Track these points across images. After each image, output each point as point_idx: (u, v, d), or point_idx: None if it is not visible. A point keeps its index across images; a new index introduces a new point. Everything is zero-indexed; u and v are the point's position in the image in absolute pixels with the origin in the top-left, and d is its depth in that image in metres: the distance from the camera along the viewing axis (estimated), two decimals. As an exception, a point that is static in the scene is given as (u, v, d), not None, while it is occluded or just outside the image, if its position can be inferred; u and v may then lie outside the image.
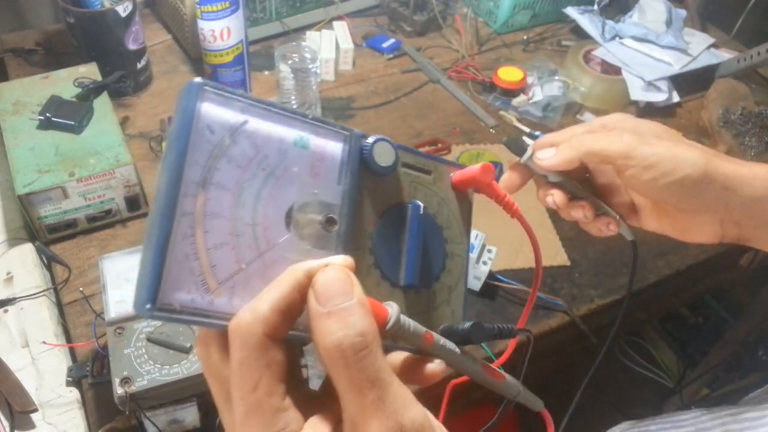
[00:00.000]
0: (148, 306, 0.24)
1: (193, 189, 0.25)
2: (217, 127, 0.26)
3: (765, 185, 0.44)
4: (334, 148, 0.29)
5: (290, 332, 0.27)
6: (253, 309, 0.25)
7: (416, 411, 0.26)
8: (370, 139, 0.30)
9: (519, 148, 0.46)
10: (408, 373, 0.30)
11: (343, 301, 0.25)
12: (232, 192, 0.26)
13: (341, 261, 0.27)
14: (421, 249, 0.31)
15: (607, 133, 0.45)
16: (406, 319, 0.28)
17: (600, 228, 0.48)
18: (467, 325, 0.32)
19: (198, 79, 0.26)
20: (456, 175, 0.35)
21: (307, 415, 0.27)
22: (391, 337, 0.28)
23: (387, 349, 0.27)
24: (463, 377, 0.33)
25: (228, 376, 0.26)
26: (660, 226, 0.50)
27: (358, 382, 0.24)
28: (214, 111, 0.26)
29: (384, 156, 0.30)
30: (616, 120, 0.48)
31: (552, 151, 0.45)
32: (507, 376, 0.34)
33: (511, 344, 0.39)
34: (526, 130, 1.10)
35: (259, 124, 0.27)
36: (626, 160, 0.43)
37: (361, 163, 0.30)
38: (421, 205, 0.32)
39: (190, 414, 0.62)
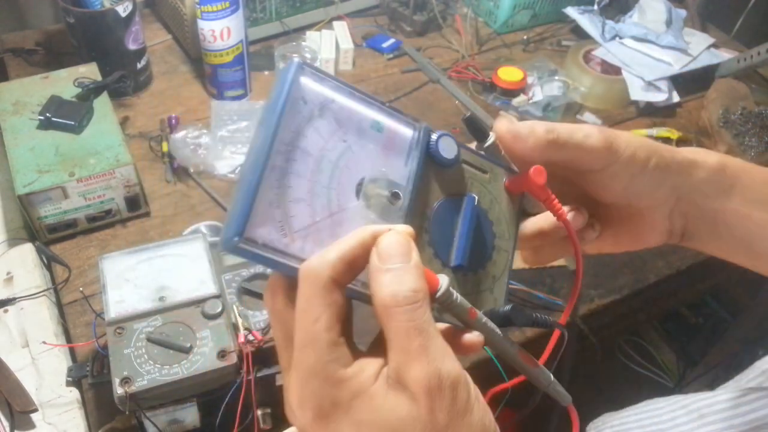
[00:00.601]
0: (236, 238, 0.27)
1: (283, 148, 0.28)
2: (310, 99, 0.30)
3: (709, 169, 0.42)
4: (404, 134, 0.33)
5: (351, 286, 0.30)
6: (323, 255, 0.28)
7: (455, 364, 0.28)
8: (436, 134, 0.33)
9: (479, 132, 0.38)
10: (448, 340, 0.31)
11: (401, 261, 0.28)
12: (314, 158, 0.29)
13: (404, 229, 0.30)
14: (471, 236, 0.34)
15: (575, 126, 0.39)
16: (454, 292, 0.30)
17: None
18: (508, 307, 0.34)
19: (299, 59, 0.30)
20: (510, 177, 0.37)
21: (355, 358, 0.29)
22: (439, 305, 0.30)
23: (434, 320, 0.30)
24: (500, 385, 0.35)
25: (290, 319, 0.29)
26: (604, 242, 0.46)
27: (407, 329, 0.27)
28: (309, 85, 0.30)
29: (448, 149, 0.33)
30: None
31: (524, 128, 0.38)
32: (540, 365, 0.36)
33: (552, 339, 0.38)
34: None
35: (344, 104, 0.31)
36: (609, 154, 0.38)
37: (427, 152, 0.33)
38: (476, 197, 0.35)
39: (190, 414, 0.62)
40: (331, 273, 0.28)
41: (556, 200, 0.37)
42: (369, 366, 0.29)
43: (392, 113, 0.33)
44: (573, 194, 0.42)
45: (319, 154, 0.30)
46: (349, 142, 0.31)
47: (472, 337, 0.33)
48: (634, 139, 0.40)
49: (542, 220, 0.42)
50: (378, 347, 0.30)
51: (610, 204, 0.43)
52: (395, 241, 0.29)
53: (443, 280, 0.30)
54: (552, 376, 0.36)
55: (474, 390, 0.30)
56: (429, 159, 0.33)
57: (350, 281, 0.29)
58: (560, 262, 0.89)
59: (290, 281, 0.30)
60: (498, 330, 0.33)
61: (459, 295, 0.31)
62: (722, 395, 0.54)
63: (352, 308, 0.31)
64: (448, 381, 0.28)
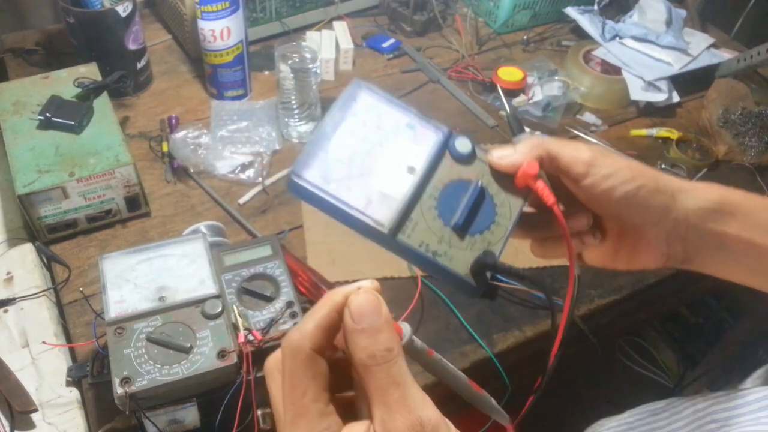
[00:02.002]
0: (293, 176, 0.40)
1: (332, 126, 0.42)
2: (361, 100, 0.44)
3: (708, 196, 0.46)
4: (431, 134, 0.44)
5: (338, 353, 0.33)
6: (301, 328, 0.31)
7: (434, 410, 0.30)
8: (456, 135, 0.44)
9: (517, 127, 0.51)
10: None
11: (374, 320, 0.31)
12: (356, 137, 0.42)
13: (370, 285, 0.33)
14: (472, 209, 0.43)
15: (570, 142, 0.46)
16: (415, 338, 0.35)
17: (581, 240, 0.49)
18: (482, 252, 0.42)
19: (357, 80, 0.44)
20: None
21: (345, 419, 0.32)
22: (403, 349, 0.33)
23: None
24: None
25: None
26: (603, 255, 0.51)
27: (386, 384, 0.30)
28: (364, 95, 0.44)
29: (462, 146, 0.44)
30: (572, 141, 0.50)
31: (510, 149, 0.45)
32: (484, 391, 0.40)
33: (560, 329, 0.48)
34: (527, 130, 1.10)
35: (385, 109, 0.44)
36: (588, 168, 0.44)
37: (445, 146, 0.44)
38: (480, 182, 0.44)
39: (190, 414, 0.62)
40: (310, 344, 0.31)
41: (548, 191, 0.44)
42: (357, 428, 0.31)
43: (425, 119, 0.44)
44: (578, 205, 0.47)
45: (359, 135, 0.42)
46: (386, 132, 0.43)
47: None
48: (624, 161, 0.45)
49: (549, 215, 0.46)
50: (359, 408, 0.33)
51: (605, 217, 0.48)
52: (365, 300, 0.31)
53: (405, 329, 0.34)
54: (493, 401, 0.41)
55: (453, 428, 0.31)
56: (449, 153, 0.44)
57: (330, 345, 0.32)
58: (563, 261, 0.89)
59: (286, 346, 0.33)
60: (451, 366, 0.38)
61: (419, 341, 0.35)
62: (721, 395, 0.54)
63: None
64: (429, 426, 0.29)
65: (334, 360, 0.33)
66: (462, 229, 0.42)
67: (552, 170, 0.46)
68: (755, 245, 0.46)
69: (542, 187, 0.44)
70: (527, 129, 0.41)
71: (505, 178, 0.45)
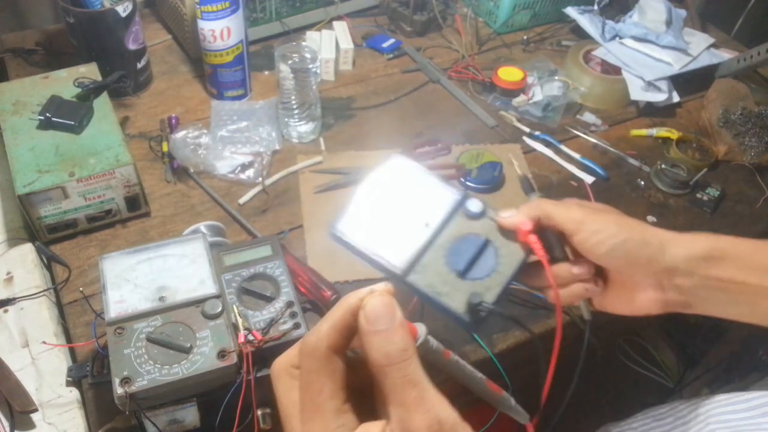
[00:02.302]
0: (332, 228, 0.50)
1: (365, 189, 0.53)
2: (391, 169, 0.54)
3: (696, 245, 0.50)
4: (449, 195, 0.52)
5: (348, 352, 0.34)
6: (317, 330, 0.33)
7: (450, 411, 0.31)
8: (470, 196, 0.53)
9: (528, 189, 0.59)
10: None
11: (388, 322, 0.32)
12: (384, 197, 0.52)
13: (383, 287, 0.34)
14: (474, 257, 0.50)
15: (563, 203, 0.53)
16: (431, 338, 0.36)
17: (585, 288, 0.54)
18: (471, 294, 0.48)
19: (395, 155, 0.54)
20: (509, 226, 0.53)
21: (362, 419, 0.32)
22: (419, 350, 0.34)
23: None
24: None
25: (295, 397, 0.33)
26: (606, 301, 0.56)
27: (402, 384, 0.30)
28: (394, 163, 0.54)
29: (474, 207, 0.52)
30: (569, 200, 0.56)
31: (514, 211, 0.51)
32: (503, 391, 0.42)
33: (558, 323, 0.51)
34: (526, 130, 1.10)
35: (411, 175, 0.53)
36: (579, 225, 0.51)
37: (460, 205, 0.52)
38: (486, 237, 0.51)
39: (190, 414, 0.62)
40: (327, 343, 0.32)
41: (539, 245, 0.50)
42: (373, 428, 0.31)
43: (445, 183, 0.53)
44: (583, 257, 0.53)
45: (388, 196, 0.52)
46: (409, 194, 0.52)
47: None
48: (613, 217, 0.52)
49: (560, 269, 0.53)
50: (376, 409, 0.33)
51: (602, 267, 0.54)
52: (380, 303, 0.32)
53: (421, 329, 0.35)
54: (513, 400, 0.42)
55: (469, 429, 0.32)
56: (461, 211, 0.52)
57: (347, 346, 0.33)
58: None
59: (289, 362, 0.35)
60: (469, 366, 0.39)
61: (435, 341, 0.37)
62: (722, 399, 0.54)
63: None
64: (447, 425, 0.30)
65: (353, 362, 0.34)
66: (463, 275, 0.49)
67: (550, 228, 0.52)
68: (750, 286, 0.48)
69: (534, 242, 0.50)
70: (536, 191, 0.53)
71: (511, 235, 0.52)
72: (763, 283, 0.48)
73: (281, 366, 0.35)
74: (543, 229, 0.52)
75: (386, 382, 0.31)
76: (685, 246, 0.50)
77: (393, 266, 0.49)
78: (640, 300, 0.53)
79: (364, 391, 0.34)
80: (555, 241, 0.54)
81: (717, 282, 0.49)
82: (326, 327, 0.32)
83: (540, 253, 0.50)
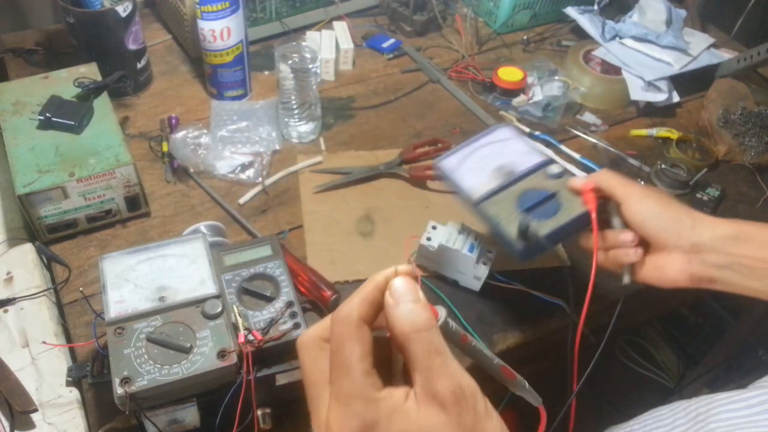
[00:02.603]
0: (436, 162, 0.73)
1: (469, 142, 0.72)
2: (497, 133, 0.74)
3: (726, 226, 0.58)
4: (537, 158, 0.69)
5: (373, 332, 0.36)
6: (348, 302, 0.36)
7: (471, 380, 0.34)
8: (554, 162, 0.68)
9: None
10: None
11: (412, 298, 0.35)
12: (484, 150, 0.70)
13: (406, 268, 0.37)
14: (539, 201, 0.65)
15: (624, 178, 0.64)
16: (450, 321, 0.38)
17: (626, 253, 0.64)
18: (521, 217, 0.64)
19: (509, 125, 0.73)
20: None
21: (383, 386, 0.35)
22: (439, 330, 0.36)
23: None
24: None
25: (323, 364, 0.36)
26: (643, 270, 0.65)
27: (428, 351, 0.33)
28: (501, 130, 0.73)
29: (554, 169, 0.67)
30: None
31: (584, 176, 0.65)
32: (517, 375, 0.43)
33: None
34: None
35: (511, 139, 0.71)
36: (629, 196, 0.62)
37: (541, 166, 0.69)
38: (555, 192, 0.66)
39: (190, 414, 0.62)
40: (357, 313, 0.35)
41: (593, 201, 0.63)
42: (397, 391, 0.34)
43: (538, 151, 0.71)
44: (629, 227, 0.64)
45: (487, 150, 0.70)
46: (504, 151, 0.70)
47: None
48: (656, 194, 0.63)
49: (609, 234, 0.64)
50: (393, 385, 0.35)
51: (643, 240, 0.63)
52: (404, 282, 0.35)
53: (441, 312, 0.37)
54: (527, 384, 0.44)
55: (488, 402, 0.34)
56: (543, 171, 0.68)
57: (374, 320, 0.36)
58: (564, 260, 0.89)
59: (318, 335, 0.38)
60: (486, 350, 0.41)
61: (454, 324, 0.38)
62: (723, 398, 0.55)
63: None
64: (469, 391, 0.33)
65: (374, 341, 0.36)
66: (527, 212, 0.64)
67: (609, 198, 0.64)
68: None
69: (591, 199, 0.63)
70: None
71: (576, 196, 0.65)
72: None
73: (308, 338, 0.37)
74: (604, 198, 0.64)
75: (412, 350, 0.33)
76: (713, 227, 0.59)
77: (470, 195, 0.65)
78: (670, 271, 0.62)
79: (380, 370, 0.36)
80: (612, 210, 0.64)
81: (740, 258, 0.57)
82: (357, 299, 0.35)
83: (592, 206, 0.62)
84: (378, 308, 0.36)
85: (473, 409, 0.33)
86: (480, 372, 0.41)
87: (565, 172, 0.65)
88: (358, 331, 0.34)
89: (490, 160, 0.67)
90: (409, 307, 0.34)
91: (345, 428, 0.33)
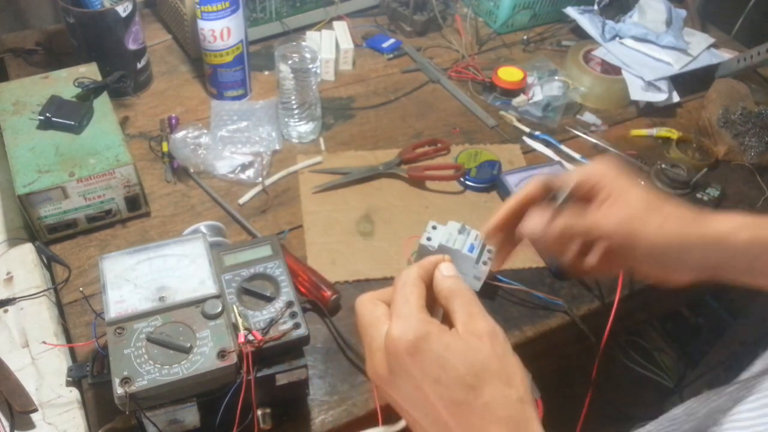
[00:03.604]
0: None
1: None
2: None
3: (733, 218, 0.56)
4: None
5: None
6: (407, 269, 0.46)
7: (501, 329, 0.43)
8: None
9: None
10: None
11: (454, 273, 0.46)
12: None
13: (448, 257, 0.48)
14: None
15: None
16: None
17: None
18: None
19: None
20: None
21: None
22: None
23: None
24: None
25: (382, 310, 0.44)
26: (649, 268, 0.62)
27: (468, 302, 0.43)
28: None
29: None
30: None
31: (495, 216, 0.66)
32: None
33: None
34: (526, 130, 1.10)
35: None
36: (647, 214, 0.62)
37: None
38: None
39: (190, 414, 0.62)
40: (417, 271, 0.46)
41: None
42: (445, 334, 0.42)
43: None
44: None
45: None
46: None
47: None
48: (675, 210, 0.60)
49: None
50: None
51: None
52: (449, 266, 0.47)
53: None
54: (529, 376, 0.48)
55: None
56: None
57: (426, 282, 0.46)
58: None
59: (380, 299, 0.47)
60: None
61: None
62: (733, 389, 0.55)
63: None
64: (501, 335, 0.42)
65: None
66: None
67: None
68: None
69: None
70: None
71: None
72: None
73: (367, 296, 0.46)
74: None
75: (455, 301, 0.43)
76: (725, 219, 0.57)
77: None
78: (675, 275, 0.60)
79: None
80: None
81: (747, 245, 0.55)
82: (416, 267, 0.46)
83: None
84: (429, 278, 0.46)
85: (503, 343, 0.42)
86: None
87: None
88: (417, 282, 0.44)
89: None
90: (453, 279, 0.46)
91: (404, 335, 0.41)
